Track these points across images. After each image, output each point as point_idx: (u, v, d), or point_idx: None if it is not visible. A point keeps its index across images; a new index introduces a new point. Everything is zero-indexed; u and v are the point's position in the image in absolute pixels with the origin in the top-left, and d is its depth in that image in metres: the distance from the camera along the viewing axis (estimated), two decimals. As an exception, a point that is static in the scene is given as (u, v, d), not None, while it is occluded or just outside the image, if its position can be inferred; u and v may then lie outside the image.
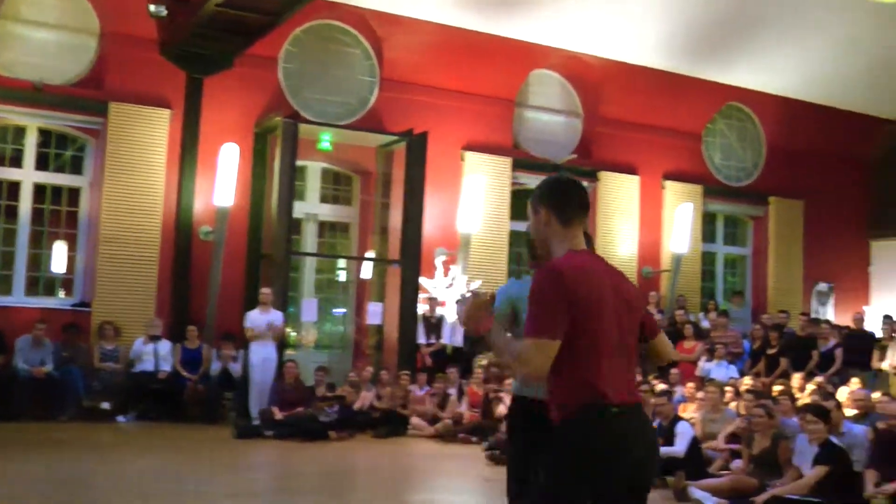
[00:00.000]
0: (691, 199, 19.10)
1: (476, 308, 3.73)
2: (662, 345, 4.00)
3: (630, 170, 19.16)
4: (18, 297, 14.69)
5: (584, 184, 4.05)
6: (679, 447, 10.12)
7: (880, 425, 10.06)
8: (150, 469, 9.95)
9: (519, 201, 18.19)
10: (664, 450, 9.97)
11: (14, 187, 14.96)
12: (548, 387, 3.61)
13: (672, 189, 19.47)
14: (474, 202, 16.81)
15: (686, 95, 19.32)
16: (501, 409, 13.37)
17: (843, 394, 12.42)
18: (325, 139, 16.06)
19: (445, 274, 16.54)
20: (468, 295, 3.85)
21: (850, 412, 10.74)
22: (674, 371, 14.05)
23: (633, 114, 19.02)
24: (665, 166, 19.56)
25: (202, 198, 15.18)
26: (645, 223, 18.95)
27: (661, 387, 12.84)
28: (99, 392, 13.83)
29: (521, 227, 18.31)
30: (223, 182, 14.79)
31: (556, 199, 3.78)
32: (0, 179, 14.95)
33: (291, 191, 15.10)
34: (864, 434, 10.06)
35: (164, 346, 14.30)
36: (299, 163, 15.57)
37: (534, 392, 4.58)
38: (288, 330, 15.58)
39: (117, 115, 14.98)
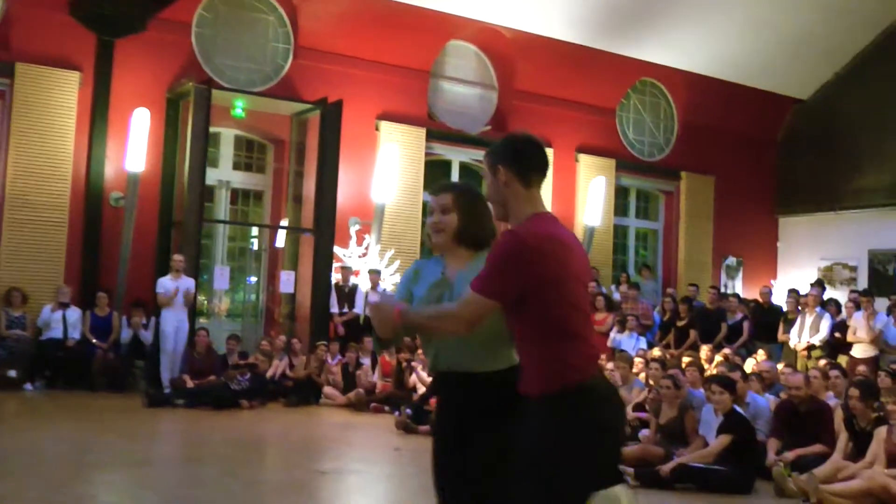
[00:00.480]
0: (604, 173, 19.36)
1: (387, 316, 3.59)
2: None
3: (544, 143, 19.25)
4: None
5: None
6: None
7: (782, 395, 10.40)
8: (55, 438, 9.83)
9: (433, 172, 18.29)
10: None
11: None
12: (525, 360, 3.49)
13: (585, 162, 19.69)
14: (389, 172, 16.81)
15: (600, 70, 19.50)
16: (413, 379, 13.48)
17: (749, 365, 12.77)
18: (239, 106, 15.92)
19: (359, 243, 16.56)
20: (376, 298, 3.81)
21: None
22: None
23: (548, 87, 19.15)
24: (579, 140, 19.77)
25: (113, 163, 14.93)
26: (558, 196, 19.13)
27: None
28: (5, 360, 13.53)
29: (436, 197, 18.40)
30: (134, 147, 14.56)
31: (516, 157, 3.55)
32: None
33: (204, 157, 14.92)
34: (767, 405, 10.39)
35: (73, 313, 14.07)
36: (212, 129, 15.39)
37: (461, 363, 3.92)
38: (200, 298, 15.46)
39: (24, 76, 14.61)
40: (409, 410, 11.83)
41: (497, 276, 3.35)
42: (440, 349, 3.87)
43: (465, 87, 19.08)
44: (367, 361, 14.48)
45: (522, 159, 3.56)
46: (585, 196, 18.97)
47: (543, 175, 3.61)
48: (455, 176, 18.83)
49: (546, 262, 3.34)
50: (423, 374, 13.13)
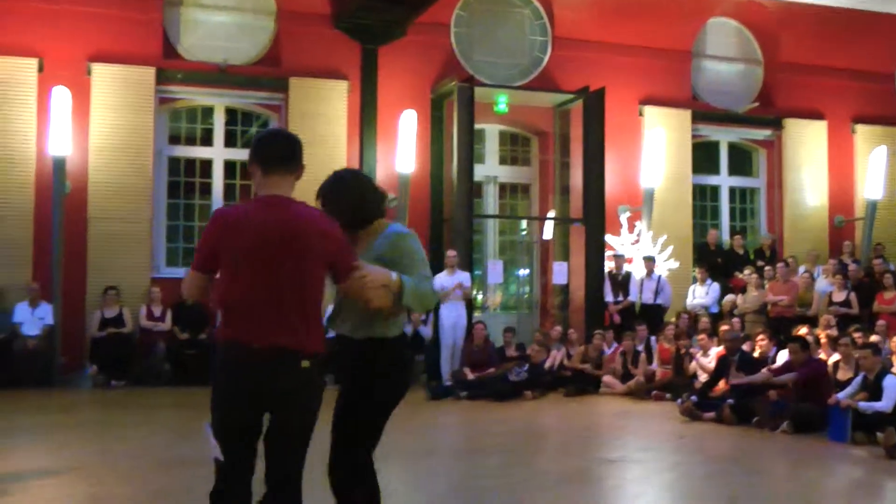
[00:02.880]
0: (885, 143, 18.19)
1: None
2: (353, 289, 4.09)
3: (816, 115, 18.43)
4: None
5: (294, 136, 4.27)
6: (886, 402, 9.65)
7: None
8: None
9: (701, 154, 17.84)
10: (870, 405, 9.61)
11: (206, 165, 15.56)
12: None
13: (863, 133, 18.63)
14: (655, 157, 16.53)
15: (873, 33, 18.42)
16: (693, 366, 13.15)
17: None
18: (501, 101, 16.04)
19: (630, 231, 16.35)
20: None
21: None
22: (880, 322, 13.45)
23: (816, 57, 18.26)
24: (854, 110, 18.73)
25: (383, 166, 15.41)
26: (834, 170, 18.22)
27: (871, 338, 12.16)
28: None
29: (705, 180, 17.95)
30: (404, 149, 15.01)
31: (256, 147, 4.06)
32: (194, 158, 15.59)
33: (470, 154, 15.15)
34: None
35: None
36: (477, 126, 15.60)
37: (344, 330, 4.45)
38: (473, 293, 15.69)
39: (297, 89, 15.37)
40: (693, 397, 11.53)
41: (198, 250, 3.98)
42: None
43: (728, 64, 18.50)
44: (643, 349, 14.25)
45: (261, 150, 4.06)
46: (865, 168, 17.89)
47: (283, 164, 4.05)
48: (723, 157, 18.30)
49: (228, 234, 3.88)
50: (704, 361, 12.78)
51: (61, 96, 13.85)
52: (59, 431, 9.98)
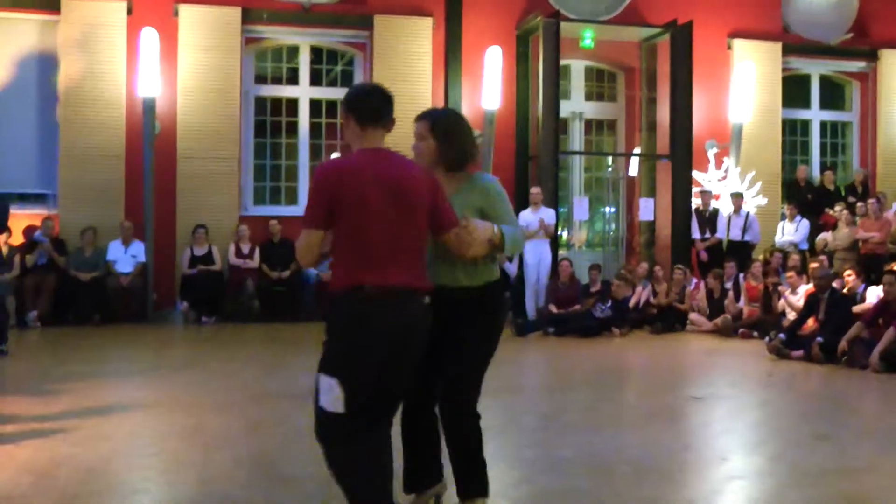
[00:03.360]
0: None
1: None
2: (451, 242, 4.16)
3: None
4: (303, 208, 15.40)
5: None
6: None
7: None
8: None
9: (791, 88, 17.46)
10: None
11: (292, 104, 15.67)
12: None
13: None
14: (744, 91, 16.21)
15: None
16: (781, 303, 12.98)
17: None
18: (587, 36, 15.83)
19: (718, 167, 16.11)
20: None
21: None
22: None
23: (915, -15, 17.66)
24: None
25: (468, 103, 15.35)
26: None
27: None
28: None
29: (795, 114, 17.58)
30: (490, 86, 14.96)
31: (353, 102, 4.14)
32: (280, 97, 15.71)
33: (556, 91, 15.03)
34: None
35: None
36: (562, 62, 15.44)
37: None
38: (558, 230, 15.64)
39: (382, 27, 15.34)
40: (781, 335, 11.40)
41: (308, 207, 3.99)
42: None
43: (821, -6, 17.97)
44: (730, 286, 14.10)
45: (357, 104, 4.16)
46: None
47: (380, 119, 4.13)
48: (815, 90, 17.87)
49: (341, 187, 3.92)
50: (793, 299, 12.61)
51: (150, 38, 14.04)
52: (153, 366, 10.26)
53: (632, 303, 14.14)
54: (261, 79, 15.82)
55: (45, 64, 14.65)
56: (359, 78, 15.70)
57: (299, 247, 4.04)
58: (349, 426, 3.90)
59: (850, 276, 12.27)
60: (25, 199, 14.50)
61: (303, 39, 15.65)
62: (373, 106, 4.12)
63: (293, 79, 15.80)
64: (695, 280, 14.46)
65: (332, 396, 3.87)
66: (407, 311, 3.96)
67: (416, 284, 4.01)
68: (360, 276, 3.89)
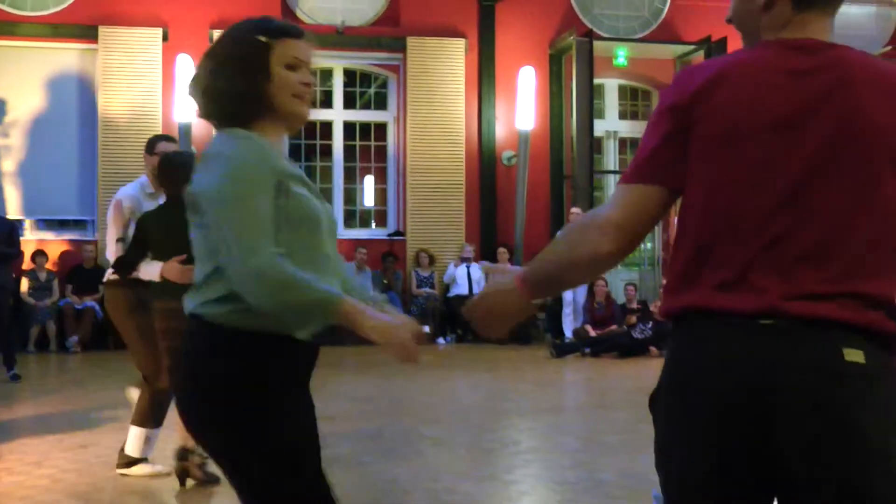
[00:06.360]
0: None
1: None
2: None
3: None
4: (338, 230, 15.44)
5: None
6: None
7: None
8: (472, 388, 10.36)
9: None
10: None
11: (326, 127, 15.75)
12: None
13: None
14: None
15: None
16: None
17: None
18: (621, 55, 15.83)
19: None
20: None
21: None
22: None
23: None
24: None
25: (502, 123, 15.38)
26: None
27: None
28: (417, 316, 14.40)
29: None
30: (523, 106, 14.97)
31: None
32: (314, 121, 15.78)
33: (590, 110, 15.02)
34: None
35: (476, 269, 14.68)
36: (596, 81, 15.44)
37: None
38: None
39: (415, 49, 15.40)
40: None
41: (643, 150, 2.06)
42: None
43: (859, 6, 17.83)
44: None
45: None
46: None
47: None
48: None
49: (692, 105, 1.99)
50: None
51: (185, 64, 14.16)
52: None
53: (671, 322, 14.03)
54: (295, 102, 15.89)
55: (85, 92, 14.82)
56: (392, 100, 15.77)
57: (609, 207, 2.05)
58: None
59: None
60: (65, 224, 14.66)
61: (336, 62, 15.73)
62: None
63: (327, 102, 15.88)
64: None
65: None
66: (790, 378, 1.89)
67: (849, 316, 1.90)
68: (711, 290, 1.97)
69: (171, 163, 5.38)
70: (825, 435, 1.84)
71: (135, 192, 6.06)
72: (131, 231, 5.64)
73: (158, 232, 5.30)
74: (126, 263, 5.52)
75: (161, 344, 5.30)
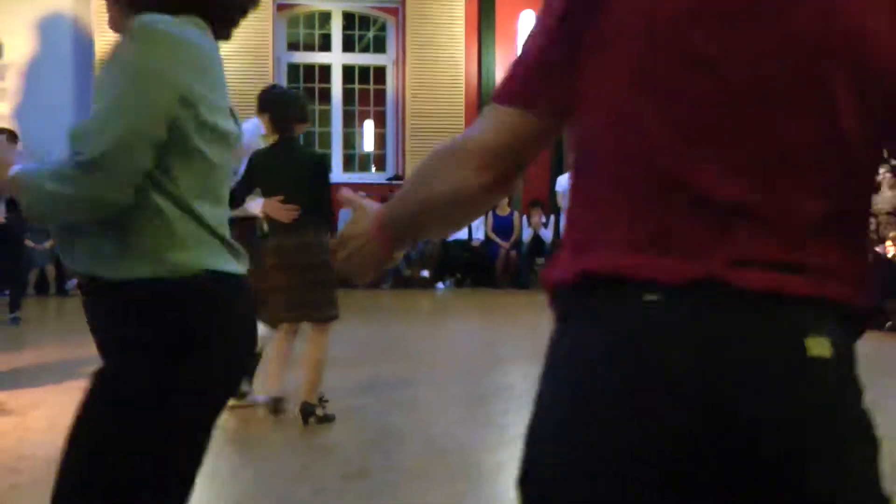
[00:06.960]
0: None
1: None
2: None
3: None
4: (336, 174, 15.39)
5: None
6: None
7: None
8: (468, 333, 10.37)
9: None
10: None
11: (325, 70, 15.63)
12: None
13: None
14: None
15: None
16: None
17: None
18: (622, -2, 15.64)
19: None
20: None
21: None
22: None
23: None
24: None
25: (502, 67, 15.24)
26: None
27: None
28: (417, 261, 14.44)
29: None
30: (522, 50, 14.80)
31: None
32: (312, 63, 15.67)
33: (590, 53, 14.88)
34: None
35: (475, 214, 14.63)
36: (597, 24, 15.27)
37: None
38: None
39: (415, -9, 15.25)
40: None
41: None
42: None
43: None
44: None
45: None
46: None
47: None
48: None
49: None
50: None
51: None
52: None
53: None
54: (293, 45, 15.78)
55: (80, 36, 14.67)
56: (391, 44, 15.63)
57: (476, 127, 1.63)
58: None
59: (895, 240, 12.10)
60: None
61: (335, 5, 15.55)
62: None
63: (325, 45, 15.74)
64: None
65: None
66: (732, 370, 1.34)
67: (809, 289, 1.33)
68: (610, 251, 1.50)
69: (278, 99, 5.70)
70: (776, 460, 1.26)
71: (251, 129, 6.10)
72: (243, 167, 5.75)
73: (265, 171, 5.59)
74: (233, 198, 5.58)
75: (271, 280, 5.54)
